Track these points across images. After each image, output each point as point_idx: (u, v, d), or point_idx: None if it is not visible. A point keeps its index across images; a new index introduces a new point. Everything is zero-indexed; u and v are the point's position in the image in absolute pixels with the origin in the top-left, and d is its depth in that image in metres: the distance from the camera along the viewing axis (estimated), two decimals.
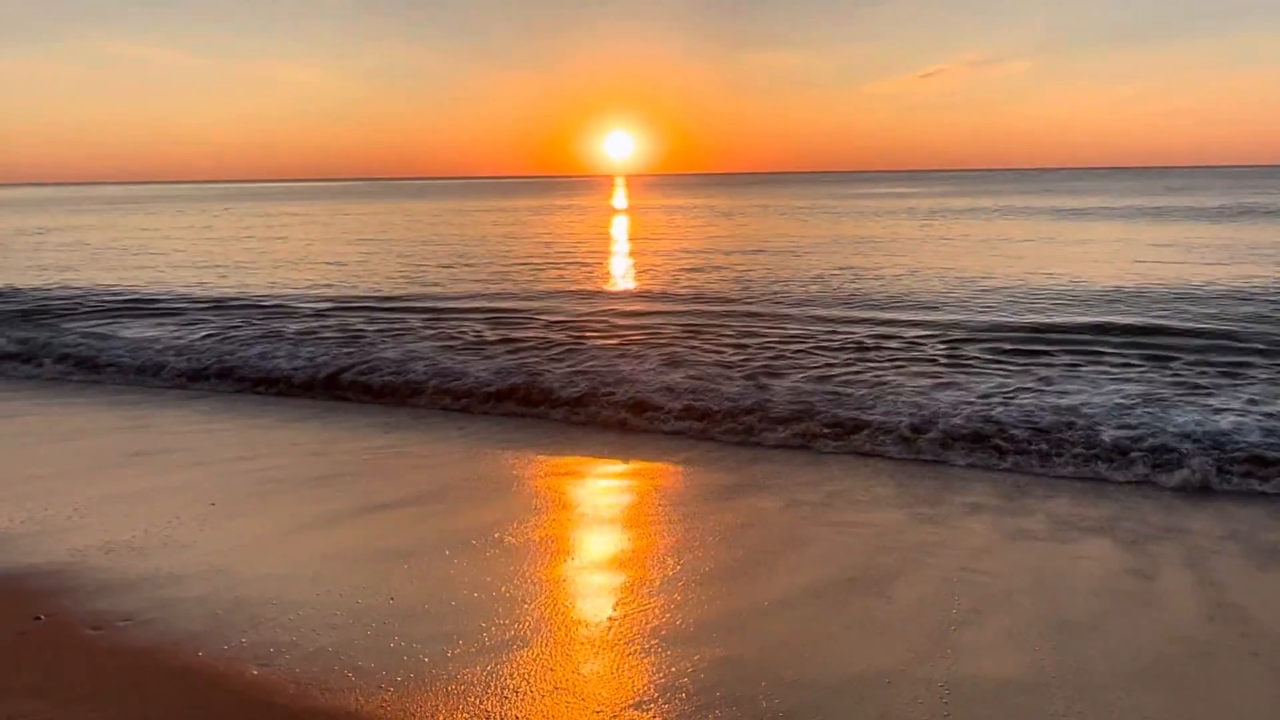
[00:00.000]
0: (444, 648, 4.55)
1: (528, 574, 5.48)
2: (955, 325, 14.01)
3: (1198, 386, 9.86)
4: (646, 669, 4.36)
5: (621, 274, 22.39)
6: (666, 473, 7.64)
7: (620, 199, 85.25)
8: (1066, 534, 6.08)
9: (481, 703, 4.06)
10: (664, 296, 17.93)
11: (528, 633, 4.71)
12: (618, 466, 7.81)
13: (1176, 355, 11.54)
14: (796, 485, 7.16)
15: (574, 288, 19.62)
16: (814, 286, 18.88)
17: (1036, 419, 8.35)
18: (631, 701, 4.08)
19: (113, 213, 65.64)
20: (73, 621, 4.86)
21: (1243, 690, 4.18)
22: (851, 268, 22.25)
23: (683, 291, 18.62)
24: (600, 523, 6.43)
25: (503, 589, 5.25)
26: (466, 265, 24.79)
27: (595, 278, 21.68)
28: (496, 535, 6.11)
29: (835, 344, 12.77)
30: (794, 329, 14.03)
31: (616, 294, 18.80)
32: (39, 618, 4.91)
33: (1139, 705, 4.05)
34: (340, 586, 5.29)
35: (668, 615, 4.91)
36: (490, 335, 14.02)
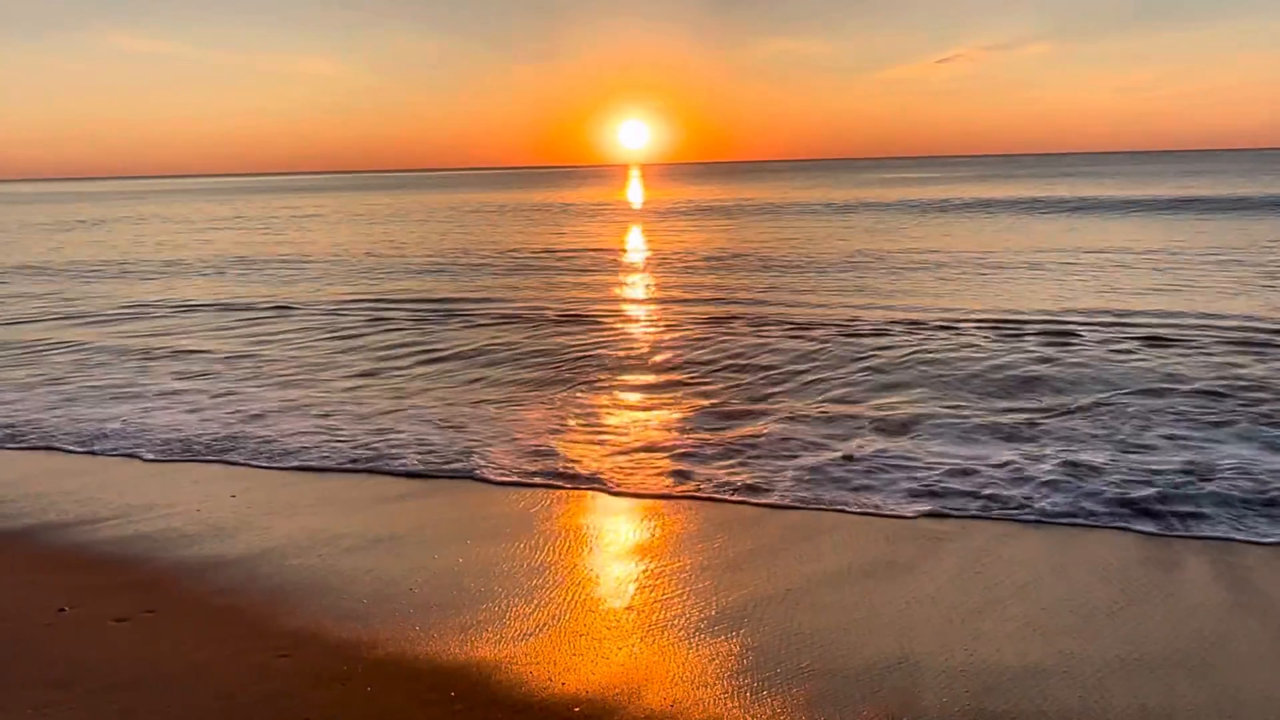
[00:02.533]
0: (466, 638, 4.57)
1: (548, 565, 5.49)
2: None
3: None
4: (667, 658, 4.36)
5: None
6: None
7: (637, 194, 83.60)
8: (1085, 522, 6.03)
9: (503, 693, 4.07)
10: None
11: (548, 623, 4.72)
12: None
13: None
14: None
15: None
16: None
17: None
18: (653, 690, 4.08)
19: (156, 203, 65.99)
20: (96, 613, 4.91)
21: (1268, 677, 4.13)
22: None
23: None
24: (619, 514, 6.43)
25: (523, 580, 5.26)
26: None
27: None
28: (517, 527, 6.12)
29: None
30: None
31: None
32: (63, 609, 4.95)
33: (1161, 692, 4.01)
34: (362, 577, 5.32)
35: (688, 605, 4.91)
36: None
